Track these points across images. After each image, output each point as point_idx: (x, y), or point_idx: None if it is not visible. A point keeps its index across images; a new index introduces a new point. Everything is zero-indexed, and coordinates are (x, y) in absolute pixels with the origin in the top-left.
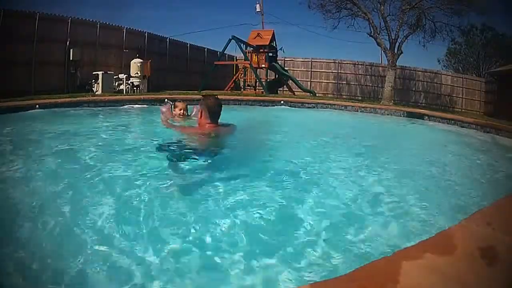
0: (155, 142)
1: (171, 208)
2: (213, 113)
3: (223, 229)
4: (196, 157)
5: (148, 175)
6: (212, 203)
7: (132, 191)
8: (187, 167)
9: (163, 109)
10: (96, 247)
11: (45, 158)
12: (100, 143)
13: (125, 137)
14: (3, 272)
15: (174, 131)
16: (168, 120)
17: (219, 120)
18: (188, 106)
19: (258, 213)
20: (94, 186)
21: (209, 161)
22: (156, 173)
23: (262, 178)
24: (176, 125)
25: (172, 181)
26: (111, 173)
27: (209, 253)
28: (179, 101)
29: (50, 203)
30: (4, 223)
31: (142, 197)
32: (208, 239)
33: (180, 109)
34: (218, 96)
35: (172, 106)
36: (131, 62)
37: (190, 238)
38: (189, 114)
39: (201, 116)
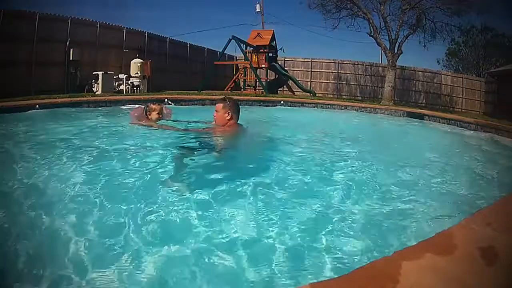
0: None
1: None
2: (238, 113)
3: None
4: (236, 154)
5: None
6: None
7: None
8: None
9: (136, 113)
10: (112, 244)
11: (46, 158)
12: (101, 143)
13: (127, 137)
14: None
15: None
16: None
17: None
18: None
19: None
20: (104, 184)
21: (245, 156)
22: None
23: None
24: (199, 128)
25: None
26: (127, 173)
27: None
28: (154, 104)
29: (54, 204)
30: (4, 224)
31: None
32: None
33: (158, 112)
34: (218, 96)
35: (146, 109)
36: (131, 62)
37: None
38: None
39: (230, 118)
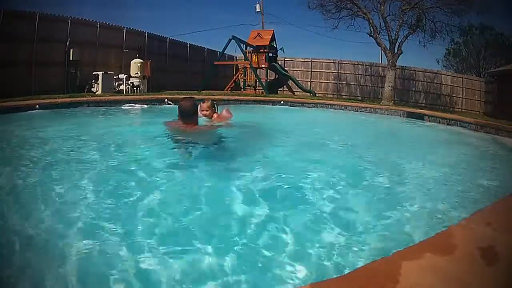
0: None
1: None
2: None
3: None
4: None
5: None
6: None
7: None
8: None
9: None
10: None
11: (48, 158)
12: (101, 143)
13: (127, 136)
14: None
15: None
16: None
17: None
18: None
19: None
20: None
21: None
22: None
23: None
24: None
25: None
26: (122, 169)
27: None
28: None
29: (56, 205)
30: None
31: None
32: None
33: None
34: (218, 96)
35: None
36: (131, 62)
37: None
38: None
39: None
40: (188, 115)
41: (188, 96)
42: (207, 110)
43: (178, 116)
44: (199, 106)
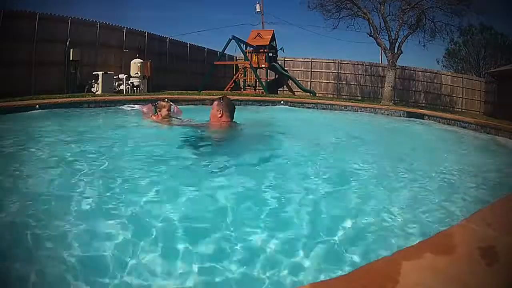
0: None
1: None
2: (231, 112)
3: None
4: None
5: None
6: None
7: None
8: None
9: (144, 109)
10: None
11: (49, 158)
12: (103, 143)
13: (128, 136)
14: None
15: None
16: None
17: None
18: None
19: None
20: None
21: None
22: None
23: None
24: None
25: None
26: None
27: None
28: (164, 101)
29: (59, 206)
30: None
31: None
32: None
33: (168, 109)
34: (218, 96)
35: (155, 106)
36: (131, 62)
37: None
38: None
39: (221, 115)
40: (234, 111)
41: (222, 95)
42: (169, 110)
43: (221, 113)
44: (158, 106)
